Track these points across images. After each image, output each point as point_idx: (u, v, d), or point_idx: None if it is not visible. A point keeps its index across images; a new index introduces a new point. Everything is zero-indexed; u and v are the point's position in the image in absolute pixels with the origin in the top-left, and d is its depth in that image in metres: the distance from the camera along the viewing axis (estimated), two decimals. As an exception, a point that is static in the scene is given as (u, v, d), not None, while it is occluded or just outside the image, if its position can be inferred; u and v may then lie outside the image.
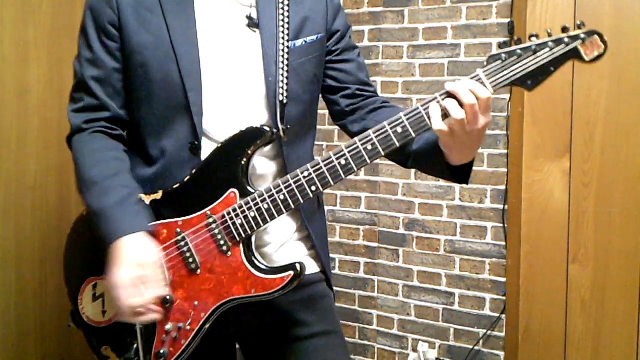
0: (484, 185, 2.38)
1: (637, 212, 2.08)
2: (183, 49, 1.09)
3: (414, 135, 1.01)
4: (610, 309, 2.13)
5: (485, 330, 2.39)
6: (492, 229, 2.38)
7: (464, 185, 2.39)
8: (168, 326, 1.09)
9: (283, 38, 1.14)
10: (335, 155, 1.03)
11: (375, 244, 2.62)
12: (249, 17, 1.14)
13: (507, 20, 2.30)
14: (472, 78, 0.99)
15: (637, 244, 2.08)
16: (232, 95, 1.13)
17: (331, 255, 2.33)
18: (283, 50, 1.13)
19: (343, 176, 1.03)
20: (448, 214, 2.46)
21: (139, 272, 1.02)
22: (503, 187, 2.34)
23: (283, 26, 1.14)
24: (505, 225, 2.34)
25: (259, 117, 1.14)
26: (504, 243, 2.35)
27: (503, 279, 2.35)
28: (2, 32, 1.70)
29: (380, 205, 2.59)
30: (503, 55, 0.99)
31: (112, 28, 1.12)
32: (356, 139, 1.02)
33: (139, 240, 1.05)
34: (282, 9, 1.15)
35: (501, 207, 2.35)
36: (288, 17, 1.15)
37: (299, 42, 1.16)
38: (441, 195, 2.46)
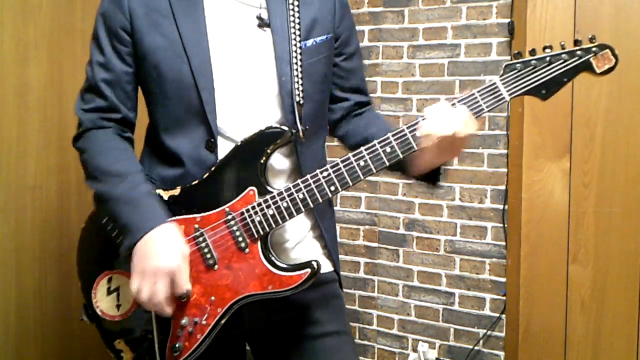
0: (484, 185, 2.38)
1: (637, 212, 2.08)
2: (194, 49, 1.11)
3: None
4: (610, 309, 2.13)
5: (485, 330, 2.39)
6: (492, 229, 2.38)
7: (464, 185, 2.39)
8: (184, 320, 1.10)
9: (294, 38, 1.16)
10: (354, 156, 1.05)
11: (375, 244, 2.62)
12: (259, 18, 1.16)
13: (507, 20, 2.30)
14: (489, 86, 1.03)
15: (637, 244, 2.08)
16: (245, 93, 1.15)
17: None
18: (295, 51, 1.15)
19: (362, 177, 1.06)
20: (448, 214, 2.46)
21: (182, 261, 1.05)
22: (503, 187, 2.34)
23: (294, 27, 1.16)
24: (505, 225, 2.34)
25: (272, 115, 1.16)
26: (504, 243, 2.35)
27: (503, 279, 2.36)
28: (2, 32, 1.70)
29: (380, 205, 2.59)
30: (518, 65, 1.03)
31: (123, 33, 1.14)
32: (375, 141, 1.05)
33: (175, 230, 1.07)
34: (292, 9, 1.17)
35: (501, 207, 2.35)
36: (298, 17, 1.17)
37: (309, 42, 1.18)
38: (441, 195, 2.46)
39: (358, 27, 2.59)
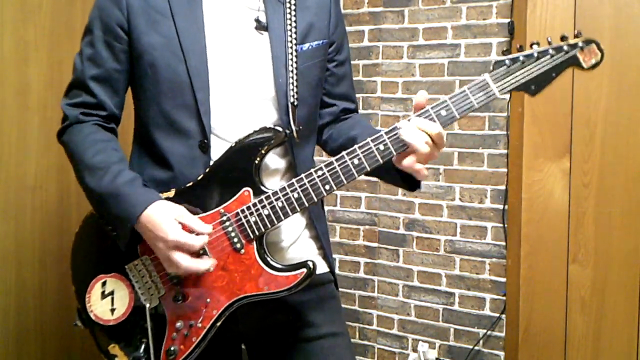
0: (484, 185, 2.38)
1: (637, 212, 2.08)
2: (191, 49, 1.11)
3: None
4: (610, 309, 2.13)
5: (485, 330, 2.39)
6: (492, 229, 2.38)
7: (464, 185, 2.39)
8: (179, 323, 1.10)
9: (291, 42, 1.16)
10: (348, 155, 1.05)
11: (375, 244, 2.62)
12: (257, 20, 1.16)
13: (507, 20, 2.30)
14: (479, 82, 1.04)
15: (637, 244, 2.08)
16: (240, 95, 1.15)
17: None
18: (292, 54, 1.16)
19: (356, 175, 1.05)
20: (448, 214, 2.46)
21: (182, 220, 1.04)
22: (503, 187, 2.34)
23: (291, 30, 1.17)
24: (505, 225, 2.34)
25: (267, 117, 1.16)
26: (504, 243, 2.35)
27: (503, 279, 2.35)
28: (2, 32, 1.70)
29: (380, 205, 2.59)
30: (507, 61, 1.04)
31: (119, 29, 1.13)
32: (369, 139, 1.05)
33: (165, 203, 1.07)
34: (290, 13, 1.17)
35: (501, 207, 2.35)
36: (295, 21, 1.17)
37: (305, 46, 1.19)
38: (441, 195, 2.46)
39: (358, 27, 2.59)
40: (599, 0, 2.08)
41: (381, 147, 1.04)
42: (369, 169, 1.05)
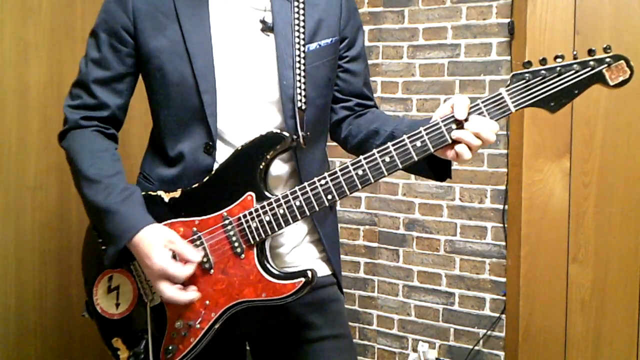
0: (484, 185, 2.38)
1: (637, 212, 2.08)
2: (197, 52, 1.11)
3: (432, 150, 1.01)
4: (610, 309, 2.13)
5: (485, 330, 2.39)
6: (492, 229, 2.38)
7: (464, 185, 2.39)
8: (178, 323, 1.11)
9: (298, 42, 1.15)
10: (352, 165, 1.04)
11: (375, 244, 2.62)
12: (263, 21, 1.15)
13: (507, 20, 2.30)
14: (494, 96, 0.99)
15: (637, 244, 2.08)
16: (246, 97, 1.14)
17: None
18: (299, 55, 1.14)
19: (360, 187, 1.04)
20: (448, 214, 2.46)
21: (172, 247, 1.06)
22: (503, 187, 2.34)
23: (298, 30, 1.15)
24: (505, 225, 2.34)
25: (272, 120, 1.16)
26: (504, 243, 2.35)
27: (503, 279, 2.36)
28: (2, 32, 1.70)
29: (380, 205, 2.59)
30: (527, 75, 0.98)
31: (125, 33, 1.14)
32: (374, 150, 1.03)
33: (157, 227, 1.08)
34: (297, 12, 1.15)
35: (501, 207, 2.35)
36: (303, 20, 1.16)
37: (313, 46, 1.17)
38: (441, 195, 2.46)
39: (358, 27, 2.59)
40: (599, 0, 2.08)
41: (387, 159, 1.02)
42: (373, 181, 1.03)
